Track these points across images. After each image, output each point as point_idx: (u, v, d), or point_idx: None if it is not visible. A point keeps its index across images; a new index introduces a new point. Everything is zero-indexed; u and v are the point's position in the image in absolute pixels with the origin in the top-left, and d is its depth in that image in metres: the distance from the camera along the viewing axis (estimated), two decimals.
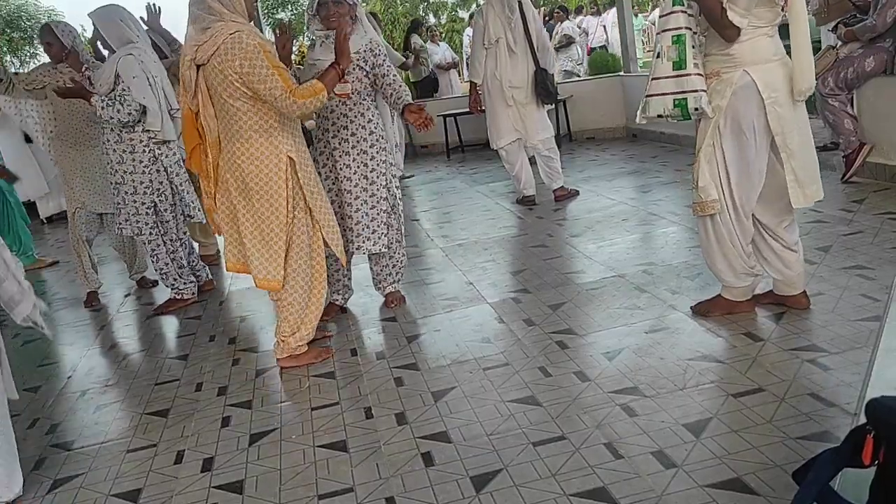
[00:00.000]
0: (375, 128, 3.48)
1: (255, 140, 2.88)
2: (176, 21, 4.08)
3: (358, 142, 3.43)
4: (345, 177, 3.44)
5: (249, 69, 2.74)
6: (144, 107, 3.89)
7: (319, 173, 3.44)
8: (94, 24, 4.06)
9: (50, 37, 4.34)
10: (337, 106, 3.40)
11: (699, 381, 2.46)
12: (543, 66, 5.24)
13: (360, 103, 3.44)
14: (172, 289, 4.30)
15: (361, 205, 3.46)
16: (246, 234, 2.97)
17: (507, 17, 5.18)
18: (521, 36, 5.19)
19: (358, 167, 3.44)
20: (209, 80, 2.85)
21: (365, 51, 3.39)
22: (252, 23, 2.96)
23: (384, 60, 3.46)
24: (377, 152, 3.47)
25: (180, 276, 4.29)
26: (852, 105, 4.71)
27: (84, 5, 4.06)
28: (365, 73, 3.41)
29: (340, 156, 3.43)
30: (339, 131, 3.42)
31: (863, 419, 1.29)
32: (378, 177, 3.47)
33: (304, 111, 2.85)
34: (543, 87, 5.22)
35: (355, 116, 3.42)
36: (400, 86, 3.43)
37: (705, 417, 2.24)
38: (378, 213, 3.49)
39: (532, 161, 5.59)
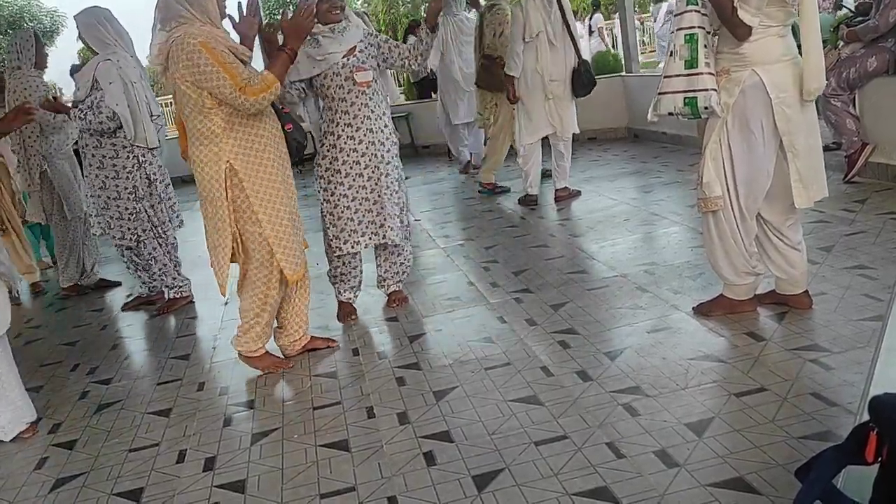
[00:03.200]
0: (389, 119, 3.52)
1: (200, 145, 2.85)
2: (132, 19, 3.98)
3: (380, 131, 3.43)
4: (373, 166, 3.42)
5: (195, 69, 2.71)
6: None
7: (339, 171, 3.39)
8: (77, 25, 4.02)
9: None
10: (357, 97, 3.38)
11: (701, 381, 2.46)
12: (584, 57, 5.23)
13: (377, 93, 3.46)
14: (172, 288, 4.31)
15: (384, 190, 3.45)
16: (206, 236, 2.98)
17: (546, 10, 5.16)
18: (560, 28, 5.17)
19: (381, 158, 3.43)
20: (169, 85, 2.87)
21: (366, 40, 3.43)
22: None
23: (381, 38, 3.50)
24: (392, 144, 3.49)
25: (179, 275, 4.30)
26: (854, 105, 4.70)
27: (87, 6, 4.05)
28: (376, 62, 3.44)
29: (367, 147, 3.40)
30: (362, 122, 3.39)
31: (865, 418, 1.28)
32: (393, 169, 3.49)
33: (259, 107, 2.77)
34: (588, 79, 5.20)
35: (375, 106, 3.43)
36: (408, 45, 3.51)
37: (707, 417, 2.23)
38: (396, 203, 3.50)
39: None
